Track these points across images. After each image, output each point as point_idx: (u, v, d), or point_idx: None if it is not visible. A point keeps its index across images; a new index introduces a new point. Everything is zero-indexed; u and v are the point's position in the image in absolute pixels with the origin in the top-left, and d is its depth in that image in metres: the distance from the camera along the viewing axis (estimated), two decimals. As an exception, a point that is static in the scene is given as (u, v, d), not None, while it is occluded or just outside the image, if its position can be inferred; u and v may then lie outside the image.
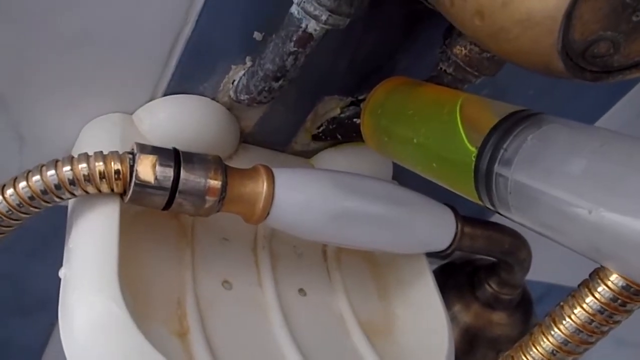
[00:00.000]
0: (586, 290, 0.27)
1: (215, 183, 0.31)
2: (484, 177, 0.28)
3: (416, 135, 0.31)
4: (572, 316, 0.27)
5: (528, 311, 0.49)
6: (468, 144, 0.29)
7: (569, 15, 0.19)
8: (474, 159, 0.28)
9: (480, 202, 0.30)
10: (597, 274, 0.26)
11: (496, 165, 0.27)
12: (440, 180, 0.32)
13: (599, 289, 0.26)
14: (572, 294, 0.27)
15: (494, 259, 0.46)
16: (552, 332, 0.27)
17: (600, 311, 0.26)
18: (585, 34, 0.20)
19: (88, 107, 0.35)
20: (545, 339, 0.28)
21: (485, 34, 0.22)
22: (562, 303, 0.28)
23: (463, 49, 0.31)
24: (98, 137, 0.35)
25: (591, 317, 0.26)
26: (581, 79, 0.21)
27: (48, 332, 0.50)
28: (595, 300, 0.26)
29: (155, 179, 0.30)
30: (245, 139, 0.39)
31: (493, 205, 0.29)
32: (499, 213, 0.29)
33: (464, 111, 0.30)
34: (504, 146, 0.27)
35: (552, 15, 0.19)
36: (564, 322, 0.27)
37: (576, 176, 0.23)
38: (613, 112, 0.46)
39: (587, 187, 0.22)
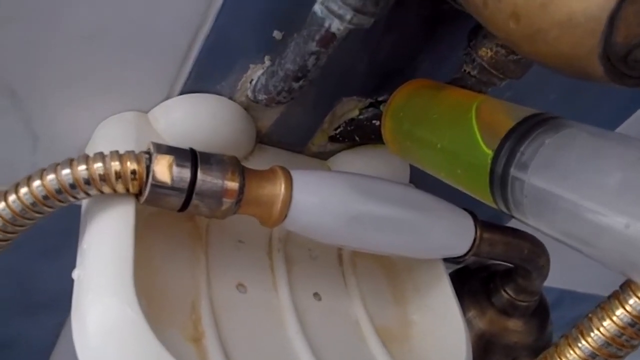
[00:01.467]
0: (616, 302, 0.26)
1: (233, 185, 0.30)
2: (499, 180, 0.27)
3: (440, 140, 0.31)
4: (601, 328, 0.26)
5: (544, 319, 0.48)
6: (484, 147, 0.28)
7: (613, 17, 0.18)
8: (489, 162, 0.28)
9: (495, 206, 0.29)
10: (629, 286, 0.25)
11: (512, 168, 0.27)
12: (462, 185, 0.31)
13: (631, 302, 0.25)
14: (601, 306, 0.26)
15: (510, 265, 0.46)
16: (580, 345, 0.27)
17: (631, 324, 0.25)
18: (628, 37, 0.19)
19: (103, 105, 0.34)
20: (571, 351, 0.27)
21: (520, 37, 0.21)
22: (590, 314, 0.27)
23: (489, 51, 0.30)
24: (113, 136, 0.34)
25: (621, 330, 0.25)
26: (620, 84, 0.20)
27: (56, 332, 0.49)
28: (626, 313, 0.25)
29: (172, 179, 0.29)
30: (262, 139, 0.38)
31: (508, 209, 0.28)
32: (514, 217, 0.29)
33: (481, 114, 0.30)
34: (521, 149, 0.26)
35: (596, 16, 0.18)
36: (592, 334, 0.26)
37: (611, 188, 0.22)
38: (635, 118, 0.45)
39: (625, 200, 0.22)
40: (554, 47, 0.20)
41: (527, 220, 0.28)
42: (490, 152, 0.28)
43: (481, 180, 0.29)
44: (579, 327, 0.27)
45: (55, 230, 0.41)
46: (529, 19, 0.20)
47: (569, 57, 0.20)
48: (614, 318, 0.26)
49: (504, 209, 0.28)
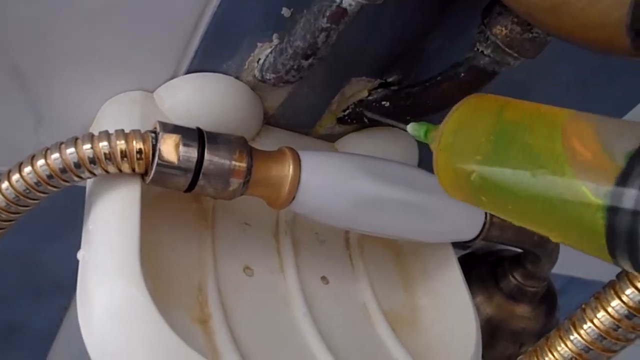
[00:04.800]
0: (612, 292, 0.24)
1: (240, 165, 0.30)
2: (624, 237, 0.20)
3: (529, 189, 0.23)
4: (595, 320, 0.24)
5: (552, 305, 0.48)
6: (588, 193, 0.21)
7: (641, -13, 0.18)
8: (603, 217, 0.20)
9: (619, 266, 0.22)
10: (627, 275, 0.23)
11: None
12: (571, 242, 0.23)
13: (628, 292, 0.23)
14: (596, 296, 0.25)
15: (518, 250, 0.45)
16: (572, 337, 0.25)
17: (628, 316, 0.23)
18: (656, 9, 0.18)
19: (108, 84, 0.34)
20: (563, 345, 0.25)
21: (542, 10, 0.20)
22: (583, 305, 0.25)
23: (503, 28, 0.29)
24: (117, 115, 0.33)
25: (617, 323, 0.24)
26: (647, 58, 0.20)
27: (61, 315, 0.49)
28: (623, 305, 0.23)
29: (179, 159, 0.29)
30: (269, 121, 0.37)
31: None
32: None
33: (571, 142, 0.22)
34: None
35: (625, -14, 0.17)
36: (584, 326, 0.24)
37: None
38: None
39: None
40: (579, 19, 0.19)
41: None
42: (599, 201, 0.20)
43: (593, 236, 0.21)
44: (572, 318, 0.25)
45: (59, 213, 0.40)
46: (553, -10, 0.19)
47: (595, 30, 0.19)
48: (609, 309, 0.24)
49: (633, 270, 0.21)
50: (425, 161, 0.41)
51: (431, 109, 0.35)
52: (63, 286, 0.46)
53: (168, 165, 0.29)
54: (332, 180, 0.32)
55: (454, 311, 0.36)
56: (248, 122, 0.36)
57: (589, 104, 0.44)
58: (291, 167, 0.31)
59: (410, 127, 0.31)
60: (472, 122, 0.27)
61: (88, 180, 0.31)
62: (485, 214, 0.37)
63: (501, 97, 0.26)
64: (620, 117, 0.45)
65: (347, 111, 0.38)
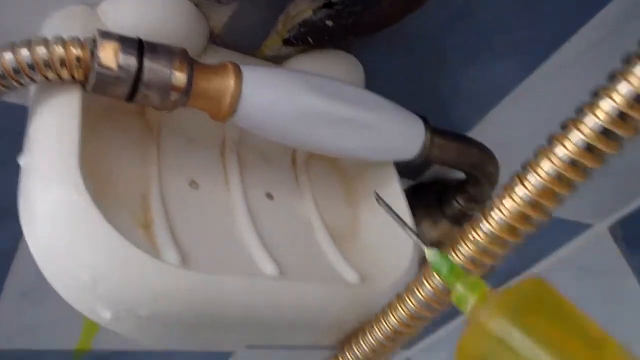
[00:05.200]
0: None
1: (181, 75, 0.30)
2: None
3: None
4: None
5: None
6: None
7: None
8: None
9: None
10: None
11: None
12: None
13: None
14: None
15: (463, 177, 0.47)
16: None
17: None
18: None
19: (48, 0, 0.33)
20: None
21: None
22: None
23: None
24: (59, 32, 0.33)
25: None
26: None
27: (16, 240, 0.49)
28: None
29: (118, 66, 0.29)
30: (214, 40, 0.38)
31: None
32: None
33: None
34: None
35: None
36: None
37: None
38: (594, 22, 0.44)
39: None
40: None
41: None
42: None
43: None
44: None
45: (5, 139, 0.40)
46: None
47: None
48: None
49: None
50: (370, 84, 0.41)
51: (372, 28, 0.36)
52: (15, 212, 0.47)
53: (107, 72, 0.29)
54: (275, 94, 0.33)
55: (394, 225, 0.38)
56: (193, 39, 0.36)
57: (537, 25, 0.44)
58: (232, 79, 0.31)
59: (431, 255, 0.27)
60: (524, 318, 0.22)
61: (31, 88, 0.31)
62: (425, 133, 0.38)
63: (566, 302, 0.23)
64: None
65: (293, 32, 0.38)
